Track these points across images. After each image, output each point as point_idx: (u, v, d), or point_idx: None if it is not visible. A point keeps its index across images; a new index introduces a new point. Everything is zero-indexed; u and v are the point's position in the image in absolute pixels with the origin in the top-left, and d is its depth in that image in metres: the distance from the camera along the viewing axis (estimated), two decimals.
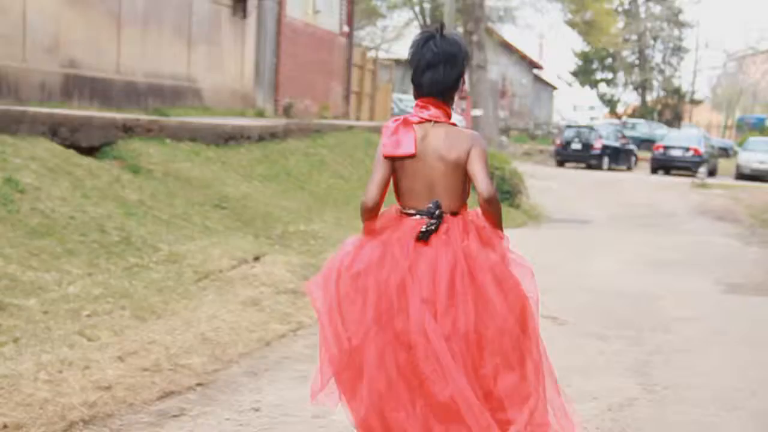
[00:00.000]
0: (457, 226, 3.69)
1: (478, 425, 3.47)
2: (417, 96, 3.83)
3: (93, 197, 9.10)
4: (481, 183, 3.65)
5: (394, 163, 3.75)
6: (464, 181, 3.74)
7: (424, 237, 3.64)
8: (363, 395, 3.63)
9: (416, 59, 3.79)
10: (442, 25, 3.88)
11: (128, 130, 11.65)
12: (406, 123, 3.76)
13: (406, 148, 3.71)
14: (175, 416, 5.21)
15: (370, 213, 3.74)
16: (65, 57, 13.38)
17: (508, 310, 3.63)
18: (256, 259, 9.06)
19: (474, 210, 3.80)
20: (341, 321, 3.70)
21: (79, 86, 13.64)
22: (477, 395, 3.51)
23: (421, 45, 3.80)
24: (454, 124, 3.82)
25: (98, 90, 14.12)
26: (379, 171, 3.76)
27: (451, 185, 3.72)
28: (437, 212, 3.67)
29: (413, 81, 3.82)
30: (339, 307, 3.72)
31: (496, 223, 3.75)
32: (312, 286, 3.91)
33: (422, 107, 3.79)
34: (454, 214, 3.72)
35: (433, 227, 3.65)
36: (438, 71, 3.74)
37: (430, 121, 3.76)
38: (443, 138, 3.72)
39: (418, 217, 3.70)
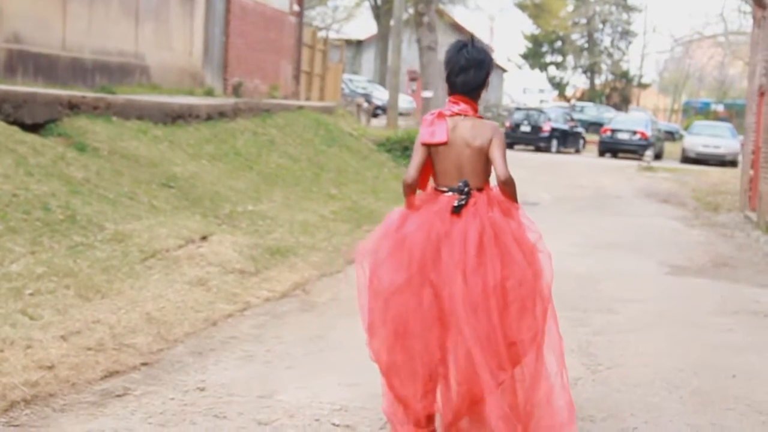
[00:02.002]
0: (482, 200, 4.51)
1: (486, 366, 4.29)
2: (450, 93, 4.65)
3: (37, 175, 8.96)
4: (499, 167, 4.47)
5: (430, 149, 4.58)
6: (487, 163, 4.55)
7: (457, 210, 4.45)
8: (386, 331, 4.45)
9: (451, 64, 4.62)
10: (473, 37, 4.74)
11: (74, 107, 11.47)
12: (441, 116, 4.59)
13: (440, 137, 4.54)
14: (119, 396, 5.18)
15: (410, 189, 4.57)
16: (9, 31, 13.13)
17: (527, 265, 4.44)
18: (204, 238, 9.00)
19: (495, 186, 4.58)
20: (384, 275, 4.48)
21: (23, 62, 13.40)
22: (498, 334, 4.32)
23: (455, 52, 4.62)
24: (480, 117, 4.63)
25: (43, 66, 13.88)
26: (418, 155, 4.60)
27: (477, 167, 4.54)
28: (466, 189, 4.48)
29: (448, 81, 4.65)
30: (385, 263, 4.49)
31: (512, 197, 4.56)
32: (361, 248, 4.70)
33: (454, 102, 4.62)
34: (479, 190, 4.54)
35: (463, 202, 4.46)
36: (469, 74, 4.58)
37: (460, 114, 4.58)
38: (470, 128, 4.54)
39: (450, 193, 4.52)
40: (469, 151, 4.52)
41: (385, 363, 4.49)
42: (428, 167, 4.64)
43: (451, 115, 4.59)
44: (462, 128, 4.55)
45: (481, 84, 4.63)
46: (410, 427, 4.46)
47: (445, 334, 4.38)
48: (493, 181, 4.66)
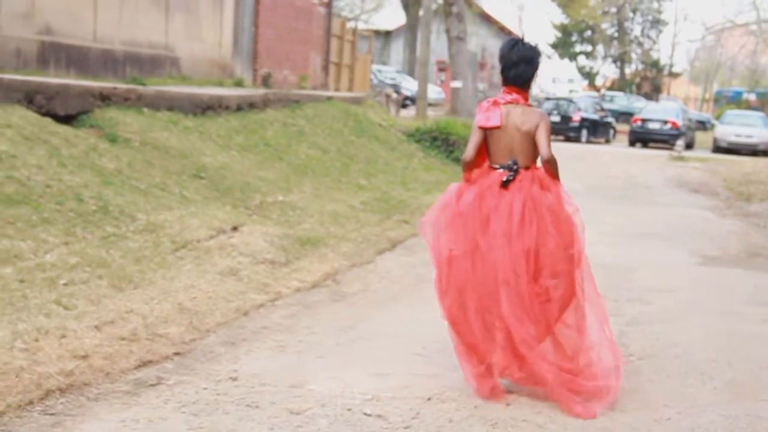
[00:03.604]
0: (528, 177, 5.25)
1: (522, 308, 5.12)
2: (504, 84, 5.42)
3: (69, 166, 9.03)
4: (543, 148, 5.24)
5: (486, 131, 5.36)
6: (534, 146, 5.29)
7: (505, 185, 5.22)
8: (451, 293, 5.26)
9: (504, 59, 5.39)
10: (523, 35, 5.55)
11: (105, 98, 11.55)
12: (496, 103, 5.36)
13: (494, 121, 5.32)
14: (152, 385, 5.21)
15: (468, 166, 5.36)
16: (41, 24, 13.22)
17: (558, 233, 5.16)
18: (234, 229, 9.04)
19: (541, 167, 5.32)
20: (444, 242, 5.29)
21: (55, 54, 13.49)
22: (535, 290, 5.11)
23: (508, 49, 5.38)
24: (529, 106, 5.41)
25: (75, 58, 13.98)
26: (475, 137, 5.39)
27: (525, 148, 5.30)
28: (514, 167, 5.25)
29: (502, 74, 5.43)
30: (445, 231, 5.29)
31: (554, 175, 5.27)
32: (425, 220, 5.48)
33: (507, 92, 5.41)
34: (527, 168, 5.29)
35: (511, 178, 5.22)
36: (520, 68, 5.37)
37: (512, 103, 5.36)
38: (520, 115, 5.32)
39: (500, 170, 5.28)
40: (519, 135, 5.28)
41: (449, 316, 5.30)
42: (483, 148, 5.38)
43: (504, 103, 5.35)
44: (513, 115, 5.31)
45: (530, 77, 5.41)
46: (478, 367, 5.24)
47: (495, 292, 5.13)
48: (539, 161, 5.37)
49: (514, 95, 5.37)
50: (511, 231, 5.11)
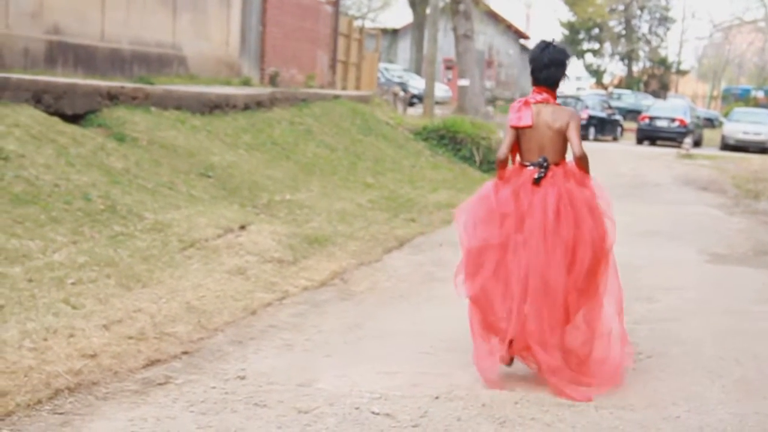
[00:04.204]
0: (559, 173, 5.50)
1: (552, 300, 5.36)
2: (534, 84, 5.68)
3: (77, 165, 9.05)
4: (575, 145, 5.48)
5: (518, 130, 5.60)
6: (564, 142, 5.56)
7: (537, 181, 5.46)
8: (478, 278, 5.48)
9: (535, 62, 5.64)
10: (553, 39, 5.74)
11: (113, 98, 11.56)
12: (527, 103, 5.62)
13: (526, 121, 5.57)
14: (160, 384, 5.22)
15: (502, 164, 5.65)
16: (49, 23, 13.25)
17: (594, 227, 5.45)
18: (242, 228, 9.04)
19: (570, 162, 5.57)
20: (479, 232, 5.51)
21: (63, 53, 13.52)
22: (568, 281, 5.35)
23: (540, 51, 5.63)
24: (558, 105, 5.66)
25: (83, 57, 14.00)
26: (508, 136, 5.65)
27: (556, 146, 5.55)
28: (545, 164, 5.49)
29: (532, 75, 5.68)
30: (480, 223, 5.52)
31: (585, 170, 5.55)
32: (460, 209, 5.77)
33: (538, 92, 5.66)
34: (557, 164, 5.54)
35: (542, 174, 5.46)
36: (550, 70, 5.63)
37: (542, 102, 5.61)
38: (551, 114, 5.57)
39: (532, 167, 5.52)
40: (550, 133, 5.53)
41: (472, 295, 5.53)
42: (515, 146, 5.63)
43: (535, 103, 5.60)
44: (544, 114, 5.57)
45: (560, 78, 5.67)
46: (490, 344, 5.51)
47: (523, 284, 5.35)
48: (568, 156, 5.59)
49: (544, 95, 5.62)
50: (546, 225, 5.34)
